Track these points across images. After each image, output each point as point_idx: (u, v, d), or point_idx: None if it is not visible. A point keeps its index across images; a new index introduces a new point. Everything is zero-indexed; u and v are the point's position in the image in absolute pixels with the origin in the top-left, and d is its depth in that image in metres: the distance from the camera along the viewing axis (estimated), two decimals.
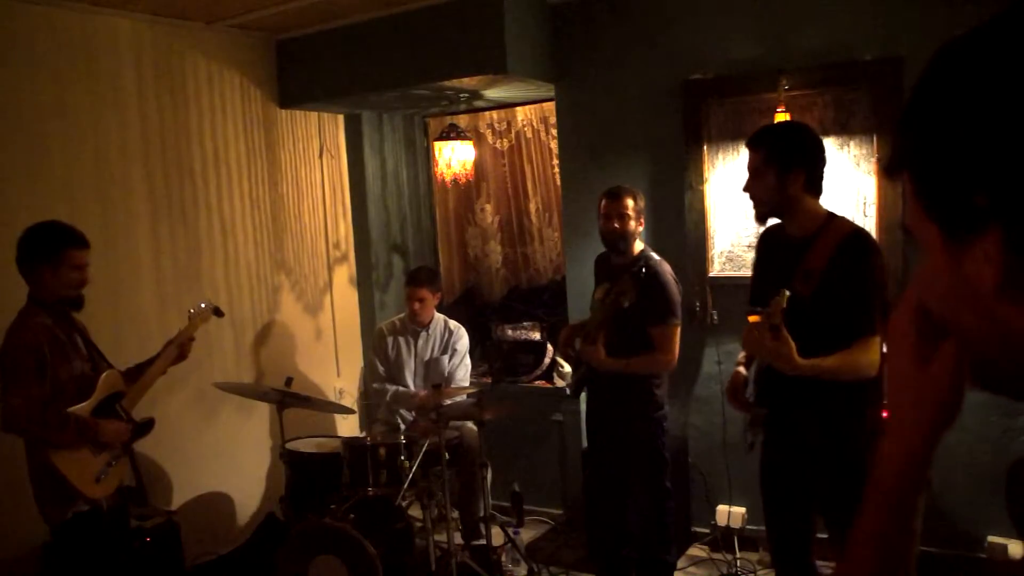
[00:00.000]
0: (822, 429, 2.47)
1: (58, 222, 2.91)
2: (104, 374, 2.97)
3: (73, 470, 2.79)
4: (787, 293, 2.26)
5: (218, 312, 3.35)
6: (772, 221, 2.65)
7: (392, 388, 4.32)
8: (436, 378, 4.33)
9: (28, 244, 2.84)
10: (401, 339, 4.38)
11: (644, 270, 3.22)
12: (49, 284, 2.84)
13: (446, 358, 4.37)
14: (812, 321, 2.32)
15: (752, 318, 2.35)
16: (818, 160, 2.52)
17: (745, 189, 2.60)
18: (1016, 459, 3.30)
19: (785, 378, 2.38)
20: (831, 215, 2.55)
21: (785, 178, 2.47)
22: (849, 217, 3.52)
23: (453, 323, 4.44)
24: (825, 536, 2.64)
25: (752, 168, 2.55)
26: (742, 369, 2.71)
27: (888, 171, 0.65)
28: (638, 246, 3.37)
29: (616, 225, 3.32)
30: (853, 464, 2.38)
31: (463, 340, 4.40)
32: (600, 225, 3.39)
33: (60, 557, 2.95)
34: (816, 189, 2.53)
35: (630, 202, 3.31)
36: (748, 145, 2.60)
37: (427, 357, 4.37)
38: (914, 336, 0.68)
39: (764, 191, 2.53)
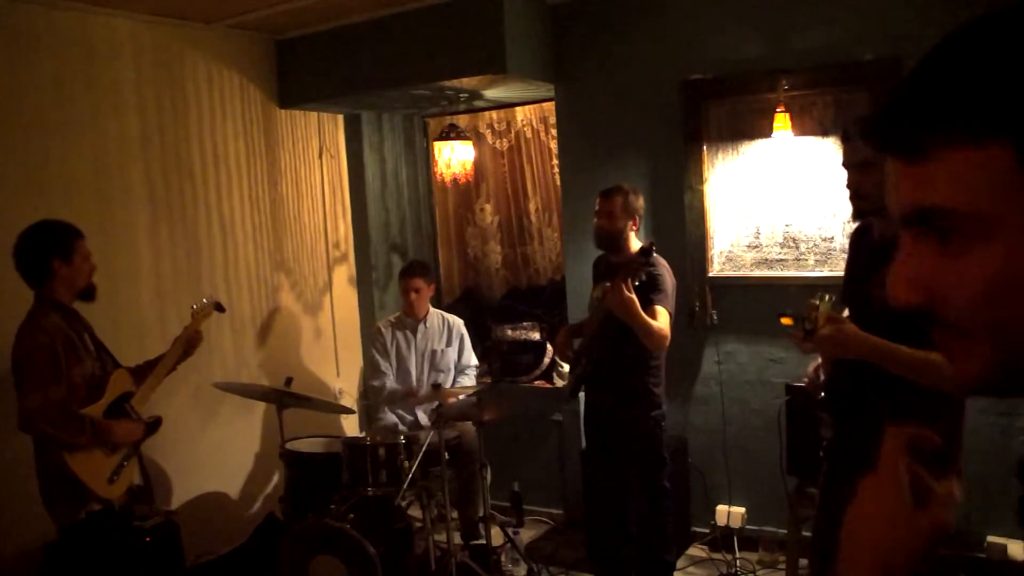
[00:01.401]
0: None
1: (50, 220, 2.94)
2: (114, 374, 2.98)
3: (87, 471, 2.80)
4: (827, 297, 2.15)
5: (220, 307, 3.37)
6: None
7: (390, 385, 4.33)
8: (439, 371, 4.35)
9: (37, 243, 2.85)
10: (400, 334, 4.40)
11: (649, 253, 3.22)
12: (66, 278, 2.86)
13: (452, 350, 4.39)
14: (885, 332, 2.15)
15: (784, 320, 2.27)
16: None
17: (848, 185, 2.36)
18: None
19: (856, 383, 2.24)
20: None
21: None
22: (850, 218, 3.55)
23: (449, 316, 4.49)
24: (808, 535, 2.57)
25: (861, 161, 2.29)
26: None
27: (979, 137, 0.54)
28: (636, 244, 3.37)
29: (602, 222, 3.34)
30: None
31: (462, 327, 4.47)
32: (592, 223, 3.42)
33: (67, 557, 2.95)
34: None
35: (619, 200, 3.31)
36: (854, 136, 2.33)
37: (428, 350, 4.38)
38: (908, 477, 0.69)
39: (874, 186, 2.27)
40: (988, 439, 3.38)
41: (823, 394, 2.44)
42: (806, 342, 2.18)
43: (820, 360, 2.45)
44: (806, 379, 2.56)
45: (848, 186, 2.36)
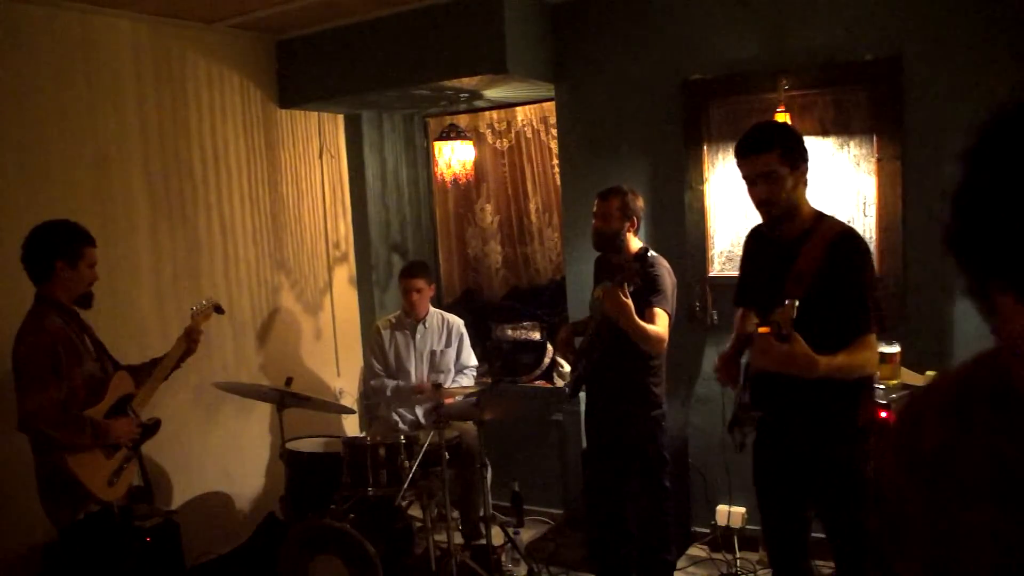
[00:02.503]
0: (815, 429, 2.45)
1: (68, 221, 2.93)
2: (115, 376, 2.98)
3: (87, 473, 2.80)
4: (797, 303, 2.21)
5: (219, 309, 3.38)
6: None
7: (391, 383, 4.33)
8: (439, 372, 4.35)
9: (44, 242, 2.85)
10: (399, 334, 4.40)
11: (645, 258, 3.22)
12: (67, 282, 2.86)
13: (451, 351, 4.40)
14: (805, 323, 2.27)
15: (762, 329, 2.30)
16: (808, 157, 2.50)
17: (757, 195, 2.46)
18: None
19: (779, 380, 2.36)
20: (820, 215, 2.51)
21: (796, 176, 2.42)
22: (849, 217, 3.55)
23: (449, 315, 4.49)
24: (822, 536, 2.64)
25: (766, 171, 2.41)
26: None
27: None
28: (636, 244, 3.37)
29: (599, 224, 3.34)
30: (846, 462, 2.39)
31: (462, 327, 4.47)
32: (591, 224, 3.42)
33: (67, 557, 2.95)
34: (806, 186, 2.50)
35: (616, 202, 3.31)
36: (753, 148, 2.44)
37: (428, 350, 4.38)
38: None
39: (781, 192, 2.41)
40: None
41: (746, 396, 2.62)
42: (787, 347, 2.24)
43: (742, 355, 2.66)
44: (720, 370, 2.76)
45: (756, 197, 2.48)
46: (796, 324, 2.25)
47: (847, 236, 2.43)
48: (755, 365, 2.49)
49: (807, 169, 2.47)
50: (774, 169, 2.40)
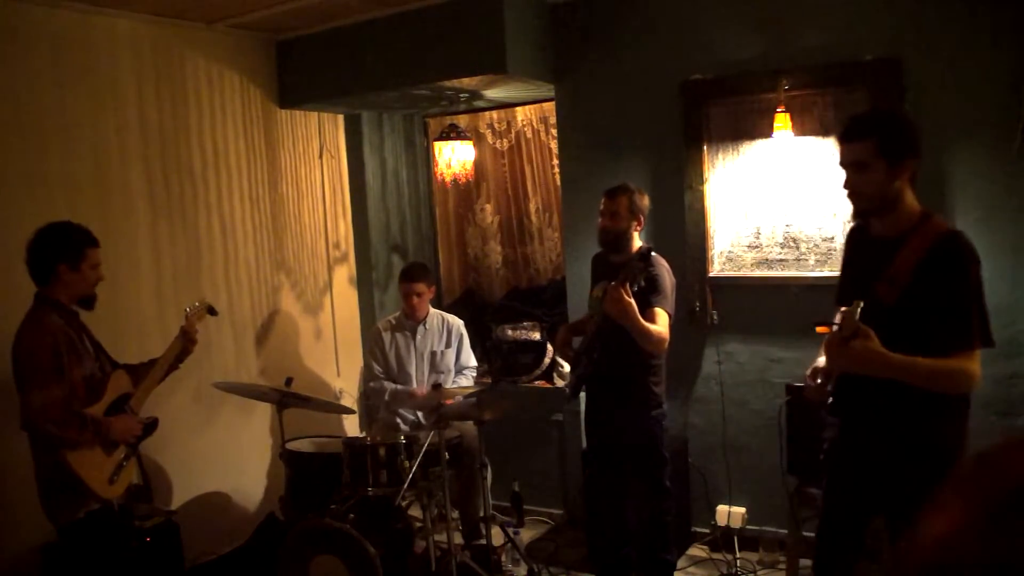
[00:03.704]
0: (896, 441, 2.27)
1: (70, 222, 2.93)
2: (113, 375, 2.99)
3: (88, 471, 2.80)
4: (861, 304, 2.10)
5: (212, 311, 3.38)
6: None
7: (390, 386, 4.33)
8: (439, 373, 4.35)
9: (47, 244, 2.85)
10: (399, 336, 4.39)
11: (648, 257, 3.22)
12: (70, 284, 2.86)
13: (451, 352, 4.39)
14: (893, 332, 2.11)
15: (821, 329, 2.21)
16: (920, 149, 2.30)
17: (845, 185, 2.33)
18: None
19: (863, 388, 2.21)
20: (927, 213, 2.29)
21: (895, 170, 2.24)
22: (849, 218, 3.54)
23: (449, 316, 4.48)
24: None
25: (857, 161, 2.28)
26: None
27: None
28: (637, 243, 3.37)
29: (607, 223, 3.34)
30: (924, 483, 2.26)
31: (462, 328, 4.47)
32: (596, 223, 3.42)
33: (67, 557, 2.95)
34: (915, 184, 2.31)
35: (625, 200, 3.31)
36: (851, 135, 2.31)
37: (428, 351, 4.38)
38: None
39: (872, 185, 2.26)
40: (988, 439, 3.37)
41: (830, 400, 2.39)
42: (841, 354, 2.13)
43: (823, 365, 2.38)
44: (808, 385, 2.48)
45: (845, 186, 2.35)
46: (887, 332, 2.10)
47: (952, 238, 2.22)
48: (827, 365, 2.33)
49: (913, 165, 2.28)
50: (866, 159, 2.25)
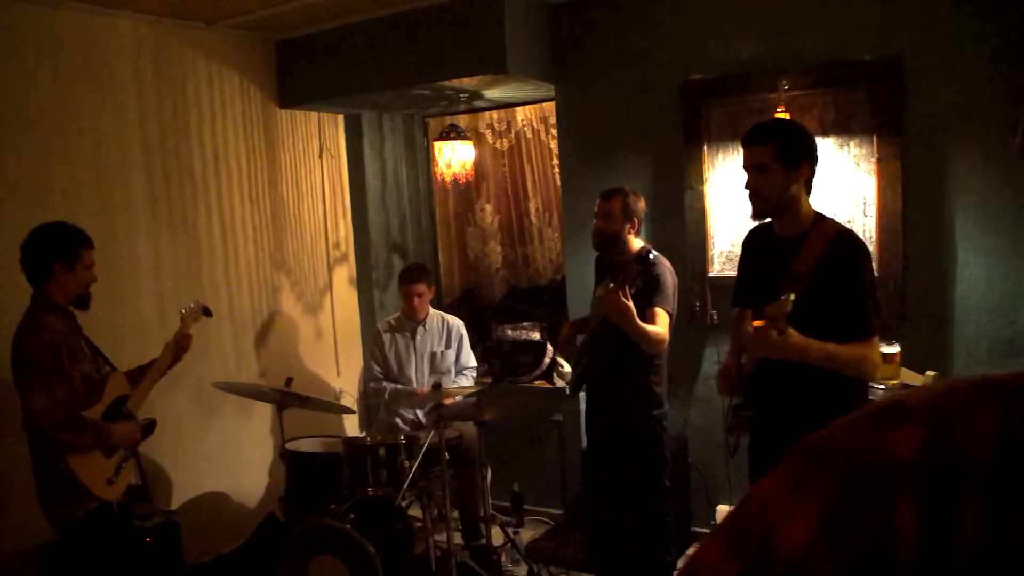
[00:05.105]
0: (807, 429, 2.44)
1: (65, 223, 2.93)
2: (111, 377, 2.99)
3: (87, 473, 2.81)
4: (792, 297, 2.25)
5: (207, 312, 3.37)
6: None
7: (390, 386, 4.33)
8: (439, 373, 4.35)
9: (41, 244, 2.85)
10: (399, 336, 4.40)
11: (647, 259, 3.22)
12: (64, 284, 2.86)
13: (451, 352, 4.40)
14: (803, 325, 2.29)
15: (756, 323, 2.34)
16: (817, 157, 2.52)
17: (747, 186, 2.54)
18: None
19: (775, 380, 2.38)
20: (820, 216, 2.52)
21: (791, 174, 2.44)
22: (849, 217, 3.55)
23: (449, 316, 4.49)
24: None
25: (758, 163, 2.48)
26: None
27: None
28: (637, 244, 3.36)
29: (601, 224, 3.34)
30: None
31: (462, 328, 4.47)
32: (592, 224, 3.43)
33: (67, 557, 2.95)
34: (810, 188, 2.53)
35: (618, 202, 3.31)
36: (752, 140, 2.53)
37: (428, 351, 4.38)
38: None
39: (771, 187, 2.46)
40: None
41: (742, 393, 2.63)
42: (779, 343, 2.28)
43: (740, 359, 2.66)
44: (725, 382, 2.76)
45: (747, 187, 2.53)
46: (794, 326, 2.27)
47: (845, 237, 2.44)
48: (751, 356, 2.53)
49: (809, 171, 2.49)
50: (766, 162, 2.45)
